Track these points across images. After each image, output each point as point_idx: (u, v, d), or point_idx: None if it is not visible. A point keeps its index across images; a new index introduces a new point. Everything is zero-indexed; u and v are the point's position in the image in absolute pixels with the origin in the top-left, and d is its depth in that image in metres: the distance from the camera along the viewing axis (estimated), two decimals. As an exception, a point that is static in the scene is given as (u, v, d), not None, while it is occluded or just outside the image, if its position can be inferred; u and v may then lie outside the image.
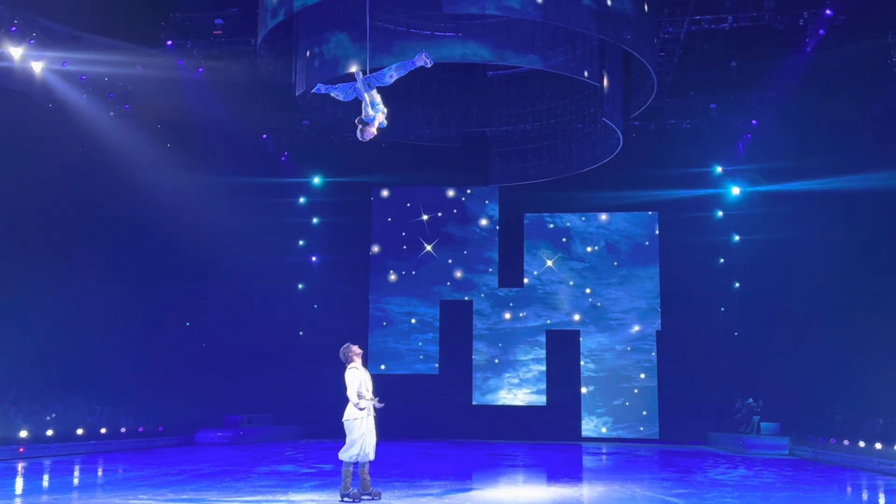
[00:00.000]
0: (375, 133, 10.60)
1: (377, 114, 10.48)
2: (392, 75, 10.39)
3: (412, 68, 10.42)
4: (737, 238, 24.33)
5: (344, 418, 10.30)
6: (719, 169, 24.26)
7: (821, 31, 18.48)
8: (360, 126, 10.53)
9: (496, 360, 25.76)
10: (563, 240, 26.10)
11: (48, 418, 18.19)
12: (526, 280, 26.11)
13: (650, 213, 25.64)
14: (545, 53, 17.46)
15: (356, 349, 10.55)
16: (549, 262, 26.03)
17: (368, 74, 10.51)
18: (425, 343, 26.05)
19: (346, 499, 10.21)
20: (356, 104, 10.87)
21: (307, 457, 17.76)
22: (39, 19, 18.09)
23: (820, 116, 19.63)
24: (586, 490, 12.93)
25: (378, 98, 10.51)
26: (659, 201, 24.88)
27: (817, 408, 20.05)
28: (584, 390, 25.19)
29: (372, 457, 10.32)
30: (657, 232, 25.55)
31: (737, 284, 24.41)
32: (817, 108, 19.63)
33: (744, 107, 22.18)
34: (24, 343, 19.04)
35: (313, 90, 11.02)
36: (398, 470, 14.91)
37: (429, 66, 10.32)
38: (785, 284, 21.90)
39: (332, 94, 10.69)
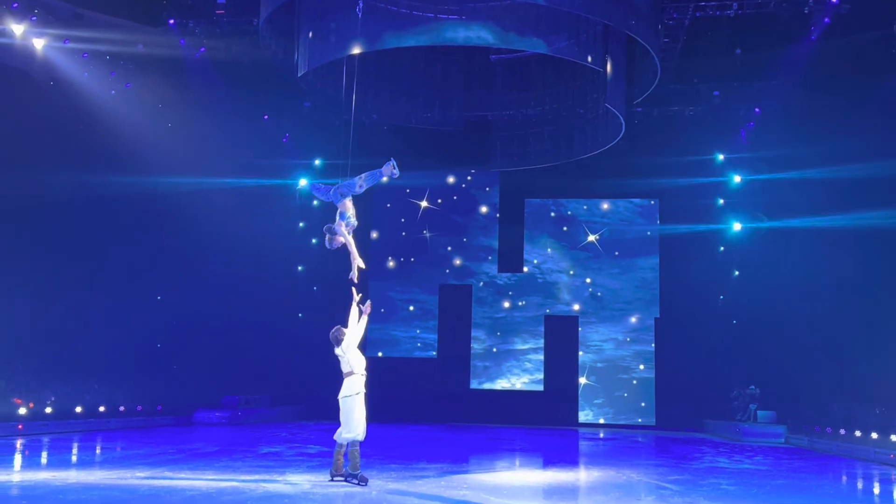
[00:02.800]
0: (343, 242, 10.77)
1: (344, 226, 10.64)
2: (361, 185, 10.85)
3: (380, 178, 10.81)
4: (737, 226, 24.31)
5: (340, 396, 10.34)
6: (721, 157, 24.20)
7: (826, 20, 18.37)
8: (327, 235, 10.76)
9: (494, 349, 25.69)
10: (564, 228, 25.98)
11: (50, 400, 18.22)
12: (526, 269, 26.02)
13: (651, 202, 25.53)
14: (549, 37, 17.36)
15: (346, 330, 10.68)
16: (550, 251, 25.97)
17: (341, 184, 10.76)
18: (423, 330, 25.98)
19: (338, 478, 10.30)
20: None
21: (304, 438, 17.82)
22: (41, -4, 18.00)
23: (824, 105, 19.55)
24: (583, 475, 12.99)
25: (350, 210, 10.67)
26: (660, 188, 24.78)
27: (814, 397, 20.10)
28: (582, 381, 25.14)
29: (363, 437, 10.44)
30: (658, 222, 25.47)
31: (736, 273, 24.40)
32: (821, 96, 19.54)
33: (747, 94, 22.09)
34: (23, 321, 19.06)
35: (309, 188, 11.26)
36: (395, 452, 14.96)
37: (395, 176, 10.65)
38: (784, 273, 21.89)
39: (317, 195, 10.98)
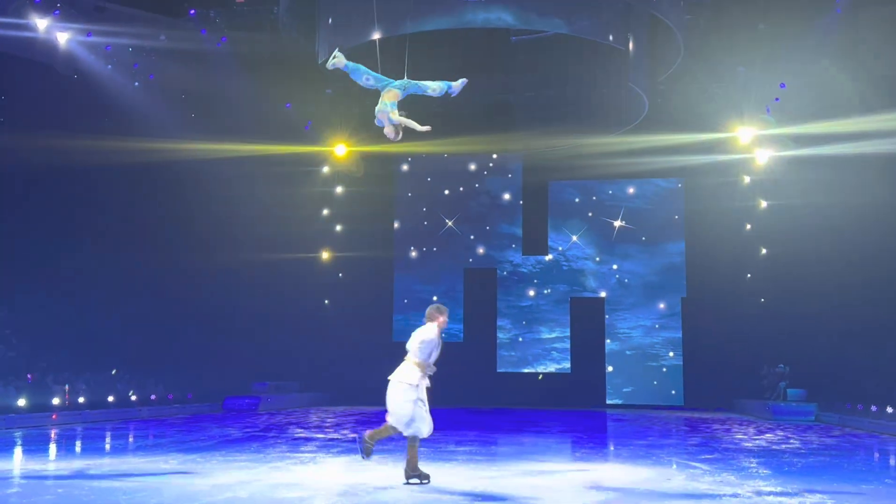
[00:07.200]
0: (397, 132, 10.59)
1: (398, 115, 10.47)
2: (435, 90, 10.72)
3: (450, 91, 10.85)
4: (764, 204, 24.06)
5: (412, 382, 9.03)
6: (747, 133, 23.88)
7: (851, -9, 18.09)
8: (387, 126, 10.58)
9: (520, 339, 25.61)
10: (590, 213, 25.77)
11: (82, 389, 18.49)
12: (550, 256, 25.87)
13: (679, 184, 25.30)
14: (570, 17, 17.23)
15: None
16: (575, 237, 25.78)
17: (419, 84, 10.59)
18: (447, 320, 25.77)
19: (415, 479, 9.08)
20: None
21: (332, 423, 17.95)
22: (64, -10, 18.14)
23: (851, 78, 19.26)
24: (611, 455, 12.98)
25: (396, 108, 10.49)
26: (685, 167, 24.56)
27: (845, 374, 19.92)
28: (609, 368, 25.02)
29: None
30: (684, 204, 25.22)
31: (763, 251, 24.19)
32: (848, 69, 19.25)
33: (772, 69, 21.78)
34: (55, 313, 19.33)
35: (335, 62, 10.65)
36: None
37: (454, 94, 10.82)
38: (812, 250, 21.67)
39: (359, 76, 10.60)
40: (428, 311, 9.83)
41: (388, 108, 10.49)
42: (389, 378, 9.25)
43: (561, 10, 17.10)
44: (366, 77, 10.67)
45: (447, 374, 26.42)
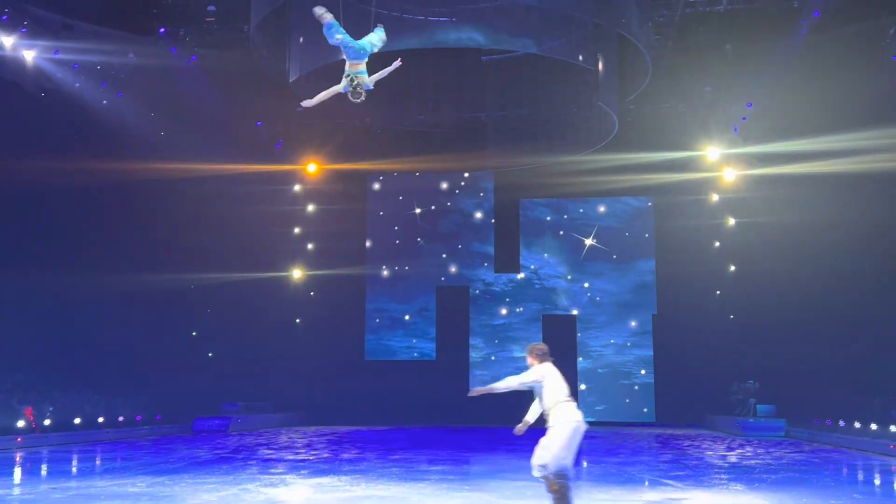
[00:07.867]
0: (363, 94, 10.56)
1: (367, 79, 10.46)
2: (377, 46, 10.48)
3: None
4: (732, 221, 24.33)
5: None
6: (714, 152, 24.20)
7: (815, 13, 18.41)
8: (358, 90, 10.52)
9: (493, 357, 25.55)
10: (561, 232, 25.89)
11: (48, 410, 18.17)
12: (522, 274, 25.92)
13: (648, 203, 25.52)
14: (539, 37, 17.38)
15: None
16: (546, 256, 25.87)
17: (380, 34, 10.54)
18: (420, 339, 25.77)
19: None
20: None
21: (303, 444, 17.79)
22: (30, 7, 17.94)
23: (816, 98, 19.58)
24: (584, 472, 12.98)
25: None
26: (654, 185, 24.78)
27: (814, 390, 20.11)
28: (582, 387, 25.05)
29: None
30: (654, 223, 25.43)
31: (732, 268, 24.43)
32: (813, 89, 19.57)
33: (739, 89, 22.11)
34: (21, 333, 19.00)
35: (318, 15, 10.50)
36: (396, 455, 14.94)
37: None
38: (780, 267, 21.93)
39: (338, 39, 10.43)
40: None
41: (367, 78, 10.52)
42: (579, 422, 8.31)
43: (531, 31, 17.25)
44: (338, 36, 10.57)
45: (420, 393, 26.43)
